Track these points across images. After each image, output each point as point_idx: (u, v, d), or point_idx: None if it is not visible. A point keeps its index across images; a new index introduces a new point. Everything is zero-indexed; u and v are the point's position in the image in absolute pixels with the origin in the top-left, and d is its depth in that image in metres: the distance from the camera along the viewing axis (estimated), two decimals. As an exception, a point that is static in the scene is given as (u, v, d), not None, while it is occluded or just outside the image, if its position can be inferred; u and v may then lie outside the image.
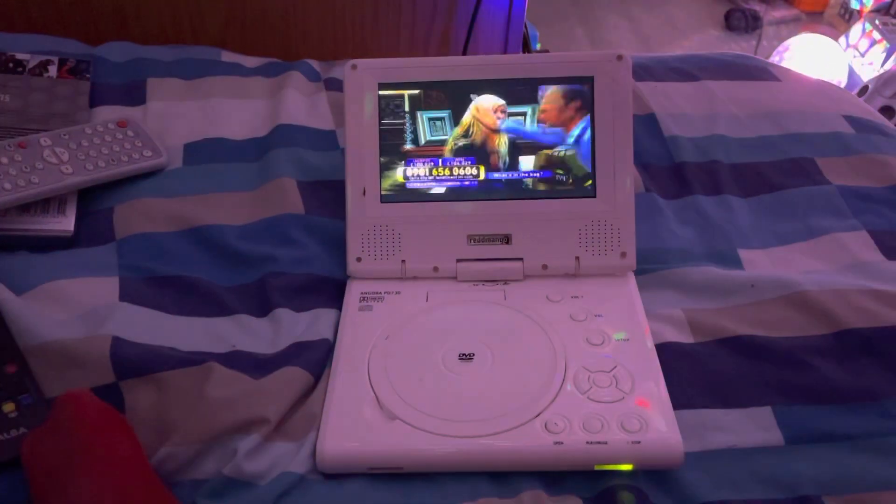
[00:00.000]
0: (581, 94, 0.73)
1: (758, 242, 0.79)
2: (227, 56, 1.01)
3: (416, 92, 0.73)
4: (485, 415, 0.59)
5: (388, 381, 0.62)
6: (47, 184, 0.74)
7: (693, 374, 0.65)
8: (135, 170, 0.80)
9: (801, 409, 0.62)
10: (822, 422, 0.61)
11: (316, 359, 0.64)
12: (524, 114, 0.73)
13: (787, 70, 1.08)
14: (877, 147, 0.91)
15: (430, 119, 0.74)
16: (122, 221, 0.76)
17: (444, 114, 0.74)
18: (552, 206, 0.72)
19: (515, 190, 0.73)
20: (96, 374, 0.60)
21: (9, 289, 0.66)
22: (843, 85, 2.05)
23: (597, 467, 0.57)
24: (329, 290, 0.71)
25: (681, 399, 0.62)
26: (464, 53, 1.15)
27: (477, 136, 0.74)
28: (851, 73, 2.15)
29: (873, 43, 2.16)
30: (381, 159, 0.73)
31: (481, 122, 0.74)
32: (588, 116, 0.73)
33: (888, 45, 2.11)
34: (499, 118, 0.73)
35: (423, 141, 0.74)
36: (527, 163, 0.73)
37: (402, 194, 0.73)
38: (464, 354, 0.64)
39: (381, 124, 0.73)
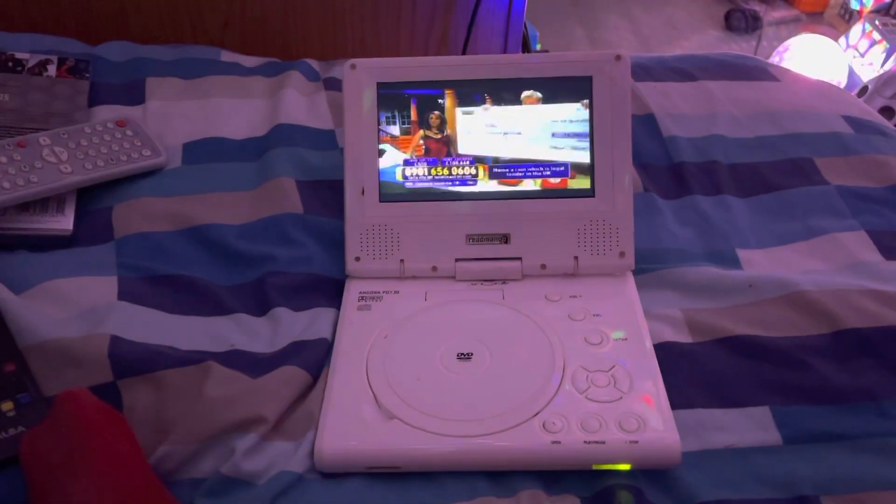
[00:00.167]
0: (580, 93, 0.73)
1: (756, 242, 0.79)
2: (227, 56, 1.01)
3: (416, 92, 0.73)
4: (483, 414, 0.59)
5: (387, 381, 0.62)
6: (46, 183, 0.74)
7: (691, 373, 0.65)
8: (134, 169, 0.80)
9: (800, 408, 0.62)
10: (821, 422, 0.61)
11: (314, 358, 0.64)
12: (523, 113, 0.73)
13: (787, 70, 1.08)
14: (876, 147, 0.91)
15: (430, 118, 0.74)
16: (120, 221, 0.76)
17: (443, 113, 0.74)
18: (551, 206, 0.72)
19: (514, 190, 0.73)
20: (95, 373, 0.60)
21: (7, 288, 0.66)
22: (842, 85, 2.05)
23: (595, 467, 0.57)
24: (328, 290, 0.71)
25: (679, 399, 0.62)
26: (463, 53, 1.15)
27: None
28: (851, 74, 2.15)
29: (873, 43, 2.16)
30: (380, 159, 0.73)
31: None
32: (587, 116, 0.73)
33: (888, 46, 2.11)
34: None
35: (421, 140, 0.74)
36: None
37: (401, 194, 0.73)
38: (462, 354, 0.64)
39: (380, 124, 0.73)
